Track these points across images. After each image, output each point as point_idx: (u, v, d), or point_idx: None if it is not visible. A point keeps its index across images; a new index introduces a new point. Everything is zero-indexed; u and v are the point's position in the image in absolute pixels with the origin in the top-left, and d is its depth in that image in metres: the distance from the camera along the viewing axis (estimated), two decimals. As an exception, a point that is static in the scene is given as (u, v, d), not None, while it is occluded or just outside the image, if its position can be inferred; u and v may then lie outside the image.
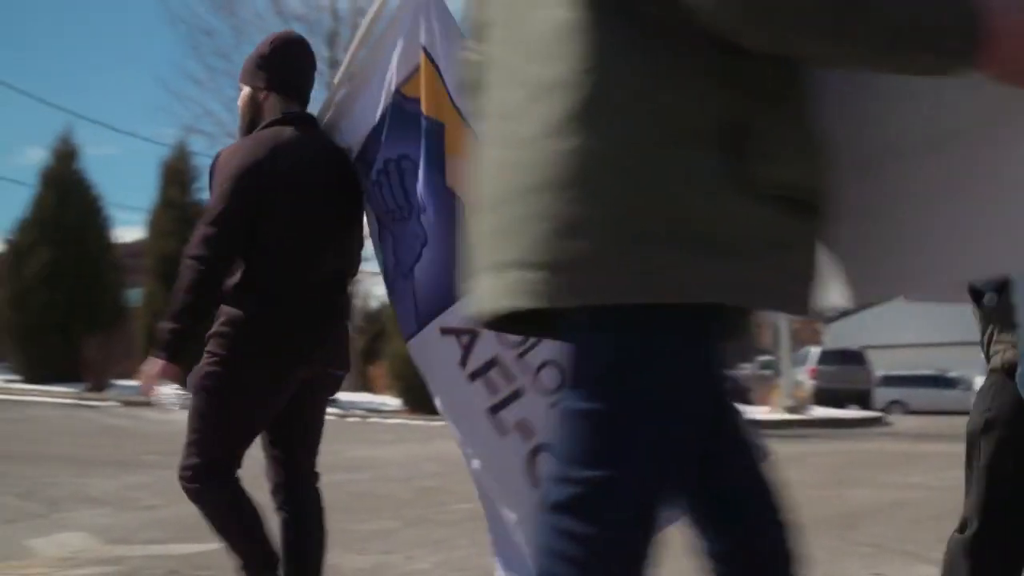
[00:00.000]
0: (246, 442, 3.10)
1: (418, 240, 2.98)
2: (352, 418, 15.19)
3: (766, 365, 22.41)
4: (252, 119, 3.08)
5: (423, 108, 2.97)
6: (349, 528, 6.22)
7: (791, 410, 18.28)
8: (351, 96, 3.23)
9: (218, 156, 3.08)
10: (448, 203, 2.91)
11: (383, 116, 3.08)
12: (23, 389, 16.02)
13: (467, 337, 2.87)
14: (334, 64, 17.83)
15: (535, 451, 2.70)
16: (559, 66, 1.27)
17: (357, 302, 18.19)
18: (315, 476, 3.28)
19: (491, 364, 2.82)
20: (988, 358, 2.46)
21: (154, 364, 2.87)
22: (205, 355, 2.96)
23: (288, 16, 18.02)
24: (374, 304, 20.35)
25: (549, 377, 2.69)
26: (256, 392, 2.96)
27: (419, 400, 14.54)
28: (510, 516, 2.89)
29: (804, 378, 23.99)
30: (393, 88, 3.07)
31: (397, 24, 3.11)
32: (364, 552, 5.40)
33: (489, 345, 2.83)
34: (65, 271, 16.55)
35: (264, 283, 2.89)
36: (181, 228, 16.06)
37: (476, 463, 2.92)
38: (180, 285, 2.86)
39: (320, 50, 18.55)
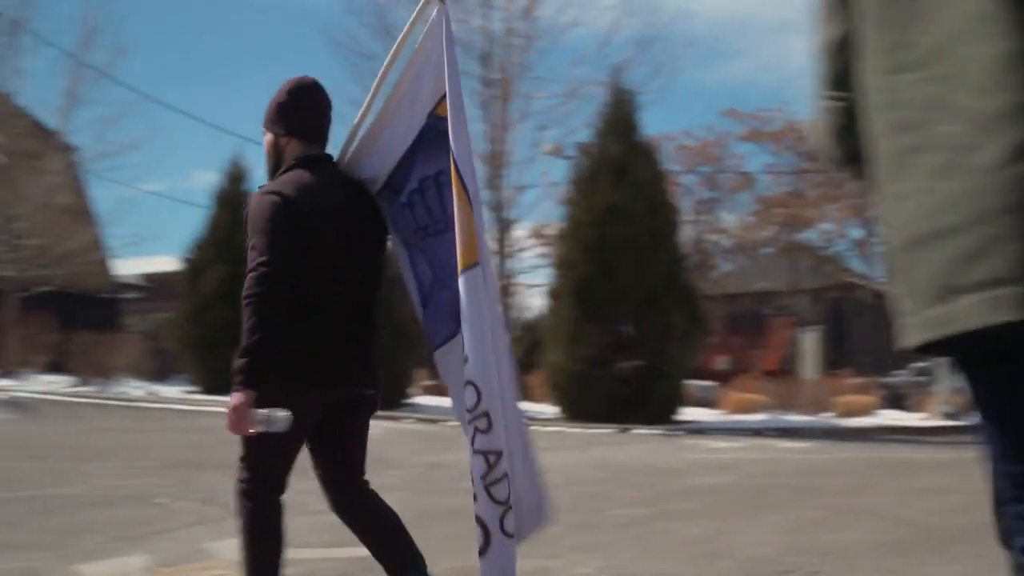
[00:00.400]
0: (286, 459, 3.26)
1: (455, 246, 3.22)
2: None
3: (923, 371, 21.90)
4: (276, 162, 3.30)
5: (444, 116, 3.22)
6: None
7: (949, 416, 17.63)
8: (375, 131, 3.39)
9: (248, 201, 3.24)
10: (480, 208, 3.27)
11: (417, 140, 3.32)
12: (202, 400, 16.62)
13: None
14: (488, 83, 18.27)
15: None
16: (1012, 95, 1.35)
17: (514, 313, 18.39)
18: (365, 485, 3.39)
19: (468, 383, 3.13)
20: None
21: (236, 398, 2.98)
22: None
23: None
24: (528, 315, 20.36)
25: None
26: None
27: (577, 408, 14.63)
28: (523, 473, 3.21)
29: (962, 384, 23.34)
30: (427, 112, 3.31)
31: (421, 55, 3.29)
32: (526, 556, 5.57)
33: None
34: (239, 287, 17.78)
35: (291, 314, 3.01)
36: None
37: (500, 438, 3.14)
38: (247, 325, 3.02)
39: (473, 69, 18.59)
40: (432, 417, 16.09)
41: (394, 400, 16.94)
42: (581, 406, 14.70)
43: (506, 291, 19.09)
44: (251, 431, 3.04)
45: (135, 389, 19.11)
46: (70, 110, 20.84)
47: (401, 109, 3.39)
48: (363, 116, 3.46)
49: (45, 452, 11.12)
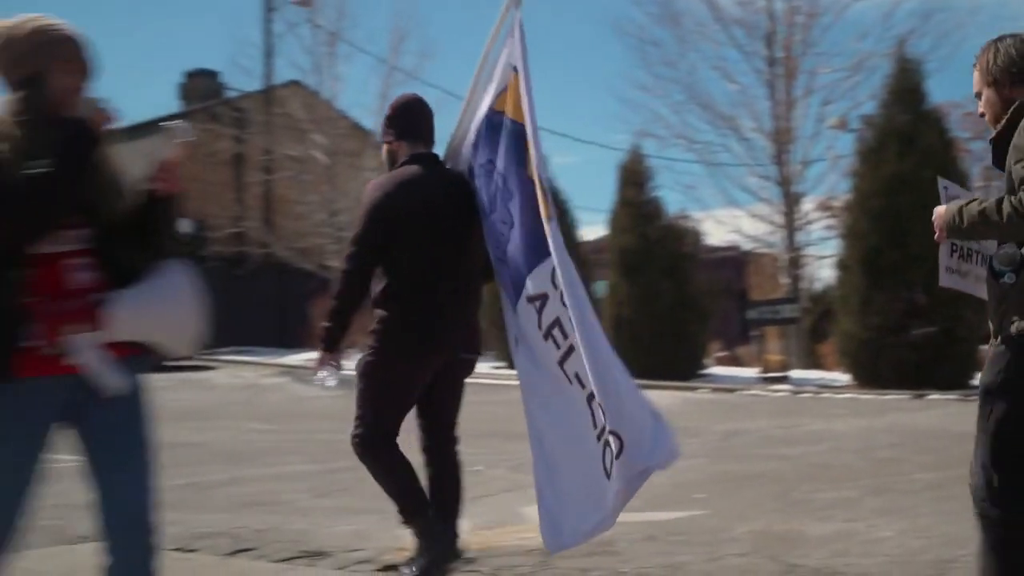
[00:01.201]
0: (398, 415, 3.79)
1: (506, 225, 3.55)
2: (804, 394, 15.09)
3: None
4: (392, 164, 3.88)
5: (508, 113, 3.55)
6: (811, 497, 6.18)
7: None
8: (465, 122, 3.88)
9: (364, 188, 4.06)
10: (529, 190, 3.43)
11: (478, 131, 3.76)
12: (506, 374, 16.83)
13: (539, 302, 3.40)
14: (772, 62, 18.35)
15: (589, 398, 3.18)
16: None
17: (803, 284, 18.64)
18: (455, 440, 3.94)
19: (555, 324, 3.34)
20: (1000, 329, 2.61)
21: (317, 355, 3.82)
22: (365, 348, 3.74)
23: (728, 21, 18.93)
24: (818, 286, 20.22)
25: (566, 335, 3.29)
26: (401, 375, 3.69)
27: (869, 375, 14.39)
28: (565, 481, 3.38)
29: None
30: (486, 107, 3.74)
31: (493, 48, 3.72)
32: (827, 520, 5.42)
33: (554, 307, 3.33)
34: None
35: (401, 291, 3.60)
36: (638, 224, 17.09)
37: (543, 416, 3.43)
38: (332, 292, 3.83)
39: (758, 49, 18.63)
40: (727, 387, 16.11)
41: (689, 371, 17.00)
42: (873, 373, 14.42)
43: (795, 263, 18.69)
44: (315, 382, 3.77)
45: None
46: (382, 110, 23.24)
47: (482, 104, 3.79)
48: (463, 114, 3.94)
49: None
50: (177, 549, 4.73)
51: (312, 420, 12.02)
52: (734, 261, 20.51)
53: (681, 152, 20.79)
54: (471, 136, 3.87)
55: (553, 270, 3.35)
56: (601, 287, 18.39)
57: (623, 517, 5.18)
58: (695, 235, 18.20)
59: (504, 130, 3.62)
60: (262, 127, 22.55)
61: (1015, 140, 2.57)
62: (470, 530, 5.27)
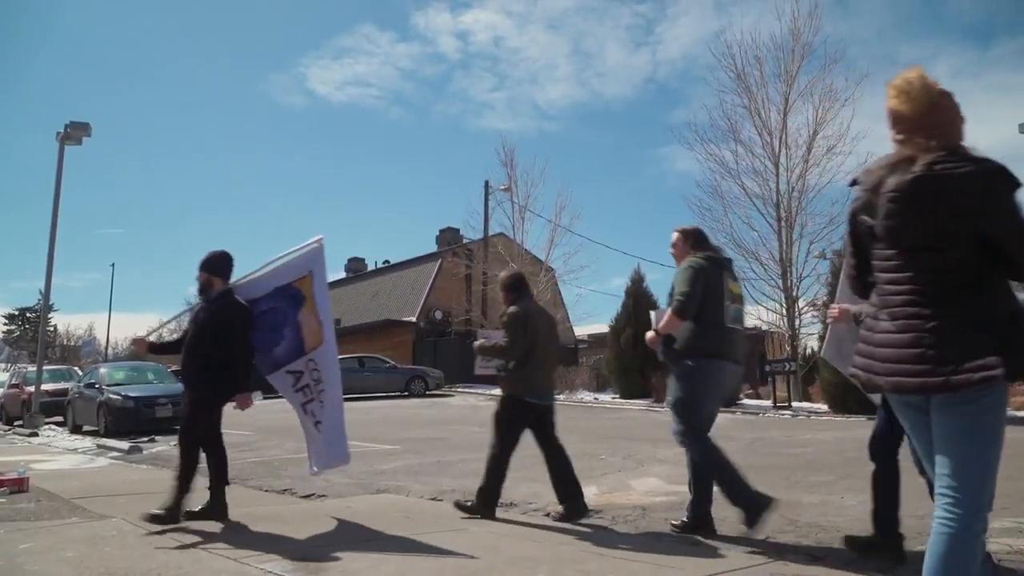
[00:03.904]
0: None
1: (277, 334, 5.08)
2: (800, 416, 16.32)
3: None
4: (204, 291, 5.14)
5: (299, 287, 5.04)
6: (805, 479, 6.84)
7: None
8: (257, 279, 5.21)
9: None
10: (298, 329, 5.10)
11: (272, 289, 5.12)
12: (620, 402, 20.67)
13: (295, 375, 5.11)
14: (779, 219, 21.51)
15: (316, 424, 5.14)
16: None
17: (799, 350, 21.85)
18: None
19: (305, 384, 5.15)
20: None
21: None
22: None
23: (752, 195, 22.35)
24: (809, 351, 23.34)
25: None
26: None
27: (841, 405, 16.34)
28: (316, 436, 5.04)
29: None
30: (286, 282, 5.07)
31: (292, 260, 5.11)
32: (814, 493, 6.09)
33: (306, 378, 5.10)
34: (639, 339, 20.83)
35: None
36: None
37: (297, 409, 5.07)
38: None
39: (771, 211, 21.84)
40: (752, 411, 17.65)
41: (729, 402, 18.92)
42: (844, 404, 16.28)
43: (794, 337, 21.27)
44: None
45: (586, 396, 23.47)
46: (551, 249, 27.05)
47: (269, 280, 5.20)
48: (258, 276, 5.16)
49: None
50: (432, 499, 5.63)
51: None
52: (756, 336, 23.36)
53: (723, 274, 22.70)
54: (261, 291, 5.13)
55: (308, 361, 4.93)
56: (674, 353, 22.48)
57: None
58: (732, 320, 21.18)
59: (291, 295, 5.04)
60: (481, 259, 29.07)
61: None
62: (598, 493, 5.91)
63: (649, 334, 4.33)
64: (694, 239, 4.46)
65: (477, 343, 5.20)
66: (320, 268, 4.97)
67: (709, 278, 4.18)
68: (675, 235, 4.50)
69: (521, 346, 4.84)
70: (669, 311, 4.19)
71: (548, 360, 5.01)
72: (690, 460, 4.36)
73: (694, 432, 4.21)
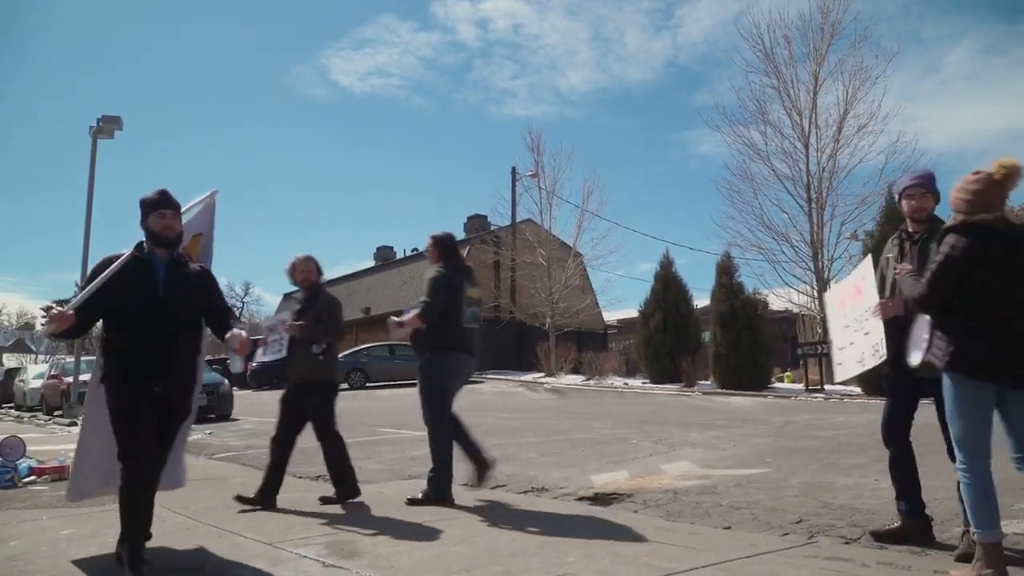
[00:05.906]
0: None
1: None
2: (832, 399, 16.31)
3: None
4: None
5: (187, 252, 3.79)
6: (838, 462, 6.79)
7: None
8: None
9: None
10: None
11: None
12: (650, 387, 20.64)
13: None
14: (809, 200, 21.05)
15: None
16: None
17: None
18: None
19: None
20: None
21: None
22: None
23: (782, 177, 22.22)
24: None
25: None
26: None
27: (873, 387, 16.05)
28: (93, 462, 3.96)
29: None
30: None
31: (191, 218, 4.16)
32: (848, 476, 6.02)
33: None
34: (668, 324, 21.82)
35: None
36: (728, 297, 20.19)
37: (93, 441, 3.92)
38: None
39: (801, 192, 21.57)
40: (784, 395, 17.62)
41: (761, 385, 19.22)
42: (876, 385, 15.99)
43: (825, 320, 22.06)
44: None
45: (616, 381, 23.41)
46: (579, 234, 26.90)
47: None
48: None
49: (570, 415, 12.97)
50: (463, 485, 5.57)
51: (537, 413, 13.75)
52: (788, 319, 23.37)
53: (754, 255, 22.60)
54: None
55: None
56: (706, 335, 21.63)
57: (722, 471, 6.02)
58: (764, 304, 20.62)
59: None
60: (509, 246, 29.11)
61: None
62: (629, 477, 5.98)
63: (391, 319, 5.03)
64: (442, 247, 5.07)
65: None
66: (210, 228, 4.53)
67: (452, 285, 4.87)
68: (428, 240, 5.08)
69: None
70: (414, 312, 4.85)
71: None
72: (432, 436, 5.01)
73: (441, 412, 4.89)
